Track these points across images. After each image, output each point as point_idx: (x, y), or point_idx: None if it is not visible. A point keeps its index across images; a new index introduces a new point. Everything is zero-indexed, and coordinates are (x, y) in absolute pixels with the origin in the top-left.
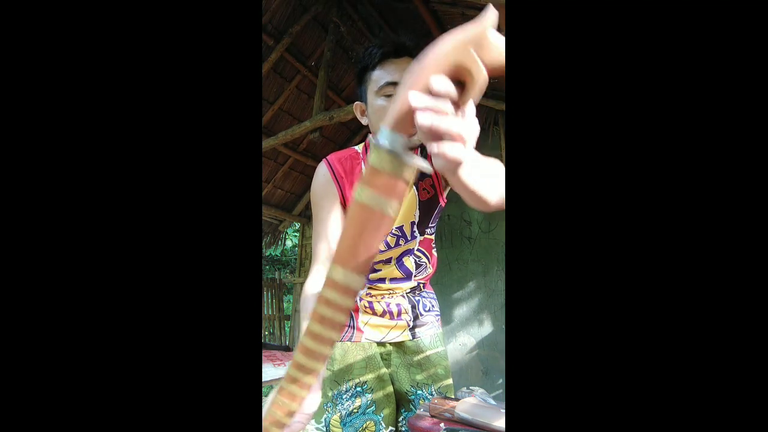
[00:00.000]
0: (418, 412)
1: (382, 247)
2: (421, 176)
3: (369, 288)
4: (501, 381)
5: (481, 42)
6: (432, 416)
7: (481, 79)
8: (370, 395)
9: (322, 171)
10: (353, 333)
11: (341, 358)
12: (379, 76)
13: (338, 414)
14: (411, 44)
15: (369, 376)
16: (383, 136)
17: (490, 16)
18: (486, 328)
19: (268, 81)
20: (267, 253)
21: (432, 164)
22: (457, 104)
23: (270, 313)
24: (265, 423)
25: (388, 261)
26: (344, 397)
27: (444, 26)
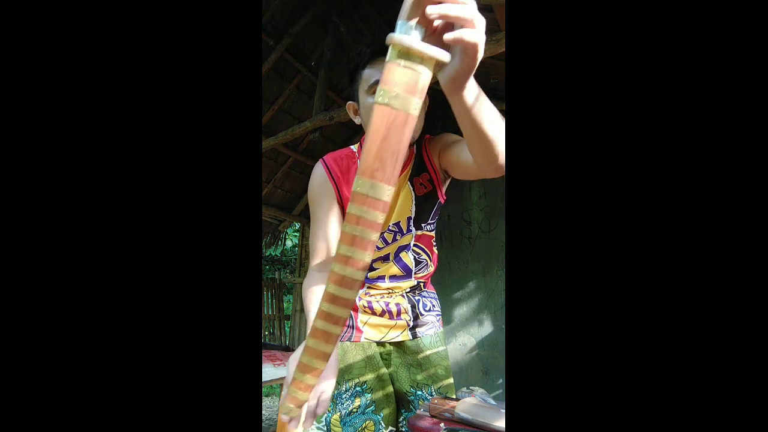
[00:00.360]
0: (418, 412)
1: (380, 244)
2: (418, 171)
3: (368, 287)
4: (501, 381)
5: None
6: (432, 416)
7: None
8: (369, 395)
9: (318, 171)
10: (352, 333)
11: (341, 358)
12: (369, 75)
13: (338, 413)
14: None
15: (369, 376)
16: (399, 29)
17: None
18: (486, 328)
19: (268, 81)
20: (267, 253)
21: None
22: None
23: (270, 313)
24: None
25: (385, 258)
26: (344, 396)
27: None
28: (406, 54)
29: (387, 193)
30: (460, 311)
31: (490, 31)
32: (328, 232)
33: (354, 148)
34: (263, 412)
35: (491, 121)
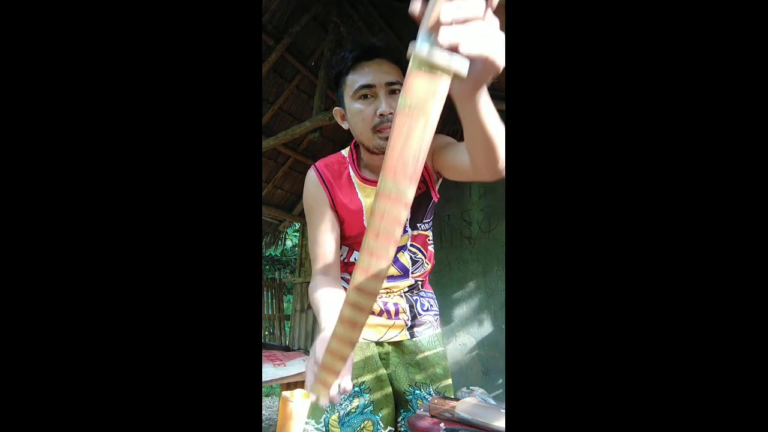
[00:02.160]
0: (417, 412)
1: None
2: None
3: None
4: (501, 381)
5: None
6: (432, 416)
7: None
8: (368, 395)
9: (311, 178)
10: None
11: None
12: (353, 80)
13: (337, 414)
14: (381, 45)
15: (367, 377)
16: (420, 40)
17: None
18: (486, 328)
19: (268, 81)
20: (267, 253)
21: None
22: (487, 3)
23: (270, 313)
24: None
25: None
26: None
27: None
28: (426, 65)
29: (410, 190)
30: (460, 311)
31: None
32: (325, 237)
33: (345, 152)
34: (263, 412)
35: (496, 127)
